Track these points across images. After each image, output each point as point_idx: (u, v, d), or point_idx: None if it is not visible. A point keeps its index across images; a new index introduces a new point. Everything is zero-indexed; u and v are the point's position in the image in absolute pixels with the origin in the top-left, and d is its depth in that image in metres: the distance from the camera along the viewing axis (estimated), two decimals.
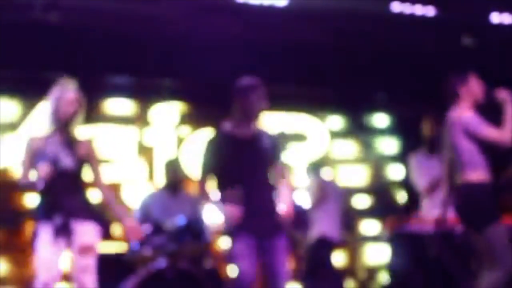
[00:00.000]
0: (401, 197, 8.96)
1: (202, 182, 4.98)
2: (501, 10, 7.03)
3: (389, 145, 9.12)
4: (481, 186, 5.04)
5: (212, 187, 4.95)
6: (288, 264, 4.95)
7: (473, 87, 5.14)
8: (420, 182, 6.59)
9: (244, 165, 4.78)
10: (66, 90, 4.77)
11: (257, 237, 4.76)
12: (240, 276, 4.69)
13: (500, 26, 7.33)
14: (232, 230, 4.78)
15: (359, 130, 9.06)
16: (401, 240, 6.96)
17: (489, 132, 4.98)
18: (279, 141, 5.05)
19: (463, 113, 5.09)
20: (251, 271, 4.70)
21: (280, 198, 4.94)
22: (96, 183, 4.91)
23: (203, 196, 4.98)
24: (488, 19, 7.14)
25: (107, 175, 7.80)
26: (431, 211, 6.39)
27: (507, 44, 7.54)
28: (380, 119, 9.14)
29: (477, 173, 5.03)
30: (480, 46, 7.79)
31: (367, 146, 9.06)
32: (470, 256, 5.86)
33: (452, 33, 7.72)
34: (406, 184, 8.72)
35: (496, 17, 7.10)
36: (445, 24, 7.37)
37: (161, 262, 5.85)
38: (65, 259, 4.72)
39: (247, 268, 4.69)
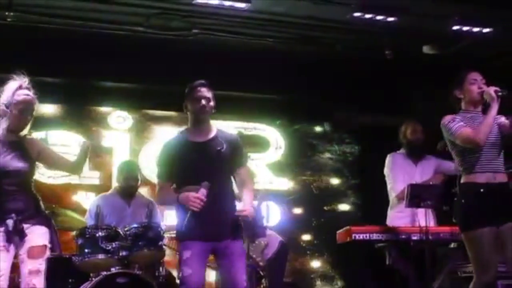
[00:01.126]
0: (358, 204, 8.97)
1: (158, 186, 4.95)
2: (461, 19, 7.04)
3: (346, 152, 9.13)
4: (469, 189, 4.86)
5: (168, 191, 4.87)
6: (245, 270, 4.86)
7: (468, 88, 4.95)
8: (395, 185, 6.59)
9: (200, 169, 4.72)
10: (16, 90, 4.69)
11: (211, 243, 4.70)
12: (186, 282, 4.63)
13: (461, 35, 7.34)
14: (183, 235, 4.71)
15: (317, 137, 9.05)
16: (356, 248, 6.98)
17: (461, 131, 4.80)
18: (240, 145, 4.99)
19: (446, 116, 4.99)
20: (197, 278, 4.65)
21: (240, 202, 4.91)
22: (63, 163, 4.95)
23: (158, 200, 4.94)
24: (449, 28, 7.15)
25: (61, 179, 7.78)
26: (399, 217, 6.42)
27: (467, 53, 7.59)
28: (336, 126, 9.11)
29: (469, 176, 4.85)
30: (441, 55, 7.84)
31: (326, 153, 9.05)
32: (424, 264, 5.88)
33: (414, 42, 7.76)
34: (362, 191, 8.80)
35: (457, 26, 7.10)
36: (406, 33, 7.38)
37: (114, 268, 5.74)
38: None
39: (194, 275, 4.63)
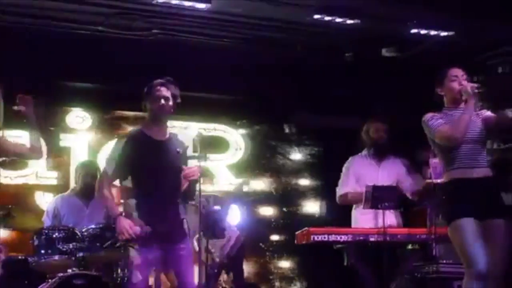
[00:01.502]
0: (318, 206, 9.00)
1: (104, 179, 4.92)
2: (421, 23, 7.11)
3: (305, 154, 9.15)
4: (449, 185, 4.83)
5: (112, 204, 4.89)
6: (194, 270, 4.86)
7: (449, 85, 4.89)
8: (341, 188, 6.61)
9: (159, 167, 4.70)
10: None
11: (161, 245, 4.70)
12: (132, 285, 4.63)
13: (419, 38, 7.41)
14: (134, 238, 4.71)
15: (276, 139, 9.07)
16: (316, 249, 7.01)
17: (440, 128, 4.76)
18: (186, 149, 5.00)
19: (427, 114, 4.92)
20: (144, 285, 4.64)
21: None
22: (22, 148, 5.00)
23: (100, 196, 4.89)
24: (408, 31, 7.21)
25: (18, 179, 7.69)
26: (363, 218, 6.44)
27: (427, 56, 7.66)
28: (297, 128, 9.13)
29: (449, 172, 4.81)
30: (401, 58, 7.90)
31: (284, 156, 9.07)
32: (383, 265, 5.92)
33: (373, 44, 7.81)
34: (322, 193, 8.83)
35: (416, 30, 7.17)
36: (365, 35, 7.43)
37: (71, 269, 5.68)
38: None
39: (143, 282, 4.64)
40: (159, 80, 4.89)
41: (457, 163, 4.75)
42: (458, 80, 4.85)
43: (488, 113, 4.88)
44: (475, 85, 4.76)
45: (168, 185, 4.71)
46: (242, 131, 8.92)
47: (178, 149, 4.84)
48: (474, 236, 4.57)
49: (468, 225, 4.58)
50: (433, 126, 4.79)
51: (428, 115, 4.86)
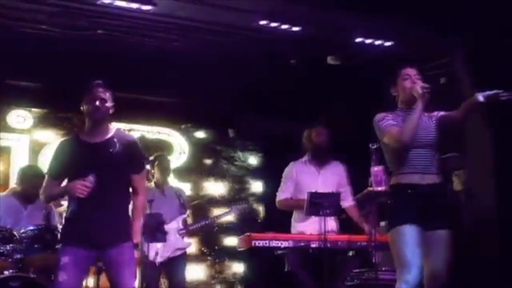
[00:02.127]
0: (261, 211, 9.03)
1: (45, 182, 4.86)
2: (365, 32, 7.19)
3: (250, 159, 9.17)
4: (396, 190, 4.66)
5: (55, 186, 4.82)
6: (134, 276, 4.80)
7: (401, 84, 4.73)
8: (281, 193, 6.63)
9: (88, 171, 4.62)
10: None
11: (96, 250, 4.63)
12: (58, 284, 4.57)
13: (363, 47, 7.48)
14: (62, 239, 4.69)
15: (221, 144, 9.07)
16: (257, 254, 7.01)
17: (388, 130, 4.58)
18: (137, 150, 4.92)
19: (378, 114, 4.73)
20: (70, 286, 4.56)
21: (132, 208, 4.85)
22: None
23: (45, 196, 4.82)
24: (353, 40, 7.28)
25: None
26: (302, 224, 6.46)
27: (371, 65, 7.74)
28: (240, 133, 9.14)
29: (397, 176, 4.65)
30: (345, 66, 7.97)
31: (228, 160, 9.07)
32: (323, 271, 5.94)
33: (319, 52, 7.87)
34: (265, 198, 8.85)
35: (360, 39, 7.24)
36: (311, 42, 7.48)
37: (7, 271, 5.59)
38: None
39: (67, 283, 4.55)
40: (96, 81, 4.82)
41: (406, 167, 4.58)
42: (411, 79, 4.69)
43: (441, 112, 4.74)
44: (426, 85, 4.58)
45: (100, 188, 4.60)
46: (187, 135, 8.88)
47: (111, 149, 4.74)
48: (413, 244, 4.43)
49: (410, 232, 4.44)
50: (382, 127, 4.62)
51: (380, 115, 4.69)
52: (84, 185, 4.50)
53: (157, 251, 6.76)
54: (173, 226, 6.97)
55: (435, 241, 4.52)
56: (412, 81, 4.67)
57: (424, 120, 4.65)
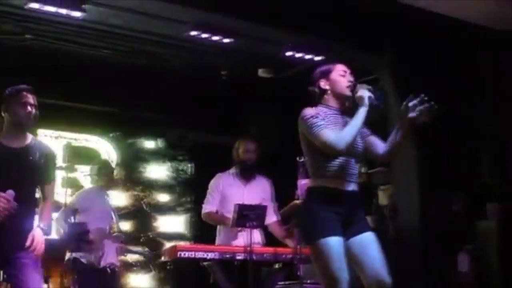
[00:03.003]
0: (188, 221, 9.00)
1: None
2: (295, 46, 7.25)
3: (179, 170, 9.13)
4: (317, 193, 4.30)
5: None
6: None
7: (336, 78, 4.37)
8: (207, 205, 6.61)
9: (8, 176, 4.50)
10: None
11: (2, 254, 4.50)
12: None
13: (294, 61, 7.55)
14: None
15: (150, 153, 9.01)
16: (181, 265, 6.97)
17: (322, 134, 4.19)
18: (53, 159, 4.84)
19: (307, 109, 4.34)
20: None
21: (40, 217, 4.75)
22: None
23: None
24: (283, 53, 7.33)
25: None
26: (229, 236, 6.44)
27: (302, 79, 7.79)
28: (170, 143, 9.10)
29: (318, 179, 4.32)
30: (276, 79, 8.02)
31: (157, 169, 9.03)
32: (248, 283, 5.93)
33: (249, 64, 7.90)
34: (194, 209, 8.80)
35: (291, 52, 7.30)
36: (242, 55, 7.51)
37: None
38: None
39: None
40: (25, 86, 4.72)
41: (330, 171, 4.25)
42: (347, 77, 4.37)
43: (371, 137, 4.44)
44: (372, 95, 4.25)
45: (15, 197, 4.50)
46: (115, 143, 8.79)
47: (31, 157, 4.65)
48: (340, 258, 4.12)
49: (335, 244, 4.13)
50: (314, 127, 4.21)
51: (309, 112, 4.28)
52: (3, 197, 4.39)
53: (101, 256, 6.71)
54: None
55: (364, 245, 4.24)
56: (348, 79, 4.35)
57: None
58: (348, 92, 4.32)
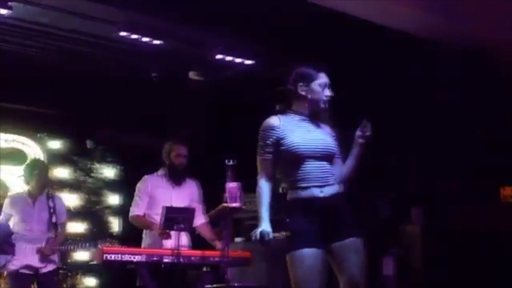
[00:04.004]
0: (116, 224, 8.91)
1: None
2: (226, 49, 7.26)
3: (107, 171, 9.04)
4: (292, 206, 4.23)
5: None
6: None
7: (317, 88, 4.28)
8: (135, 207, 6.56)
9: None
10: None
11: None
12: None
13: (224, 64, 7.56)
14: None
15: (78, 154, 8.88)
16: (111, 268, 6.91)
17: (259, 160, 4.25)
18: None
19: (267, 120, 4.29)
20: None
21: None
22: None
23: None
24: (213, 56, 7.33)
25: None
26: (157, 239, 6.41)
27: (232, 82, 7.84)
28: (99, 144, 9.01)
29: (292, 191, 4.25)
30: (207, 82, 8.02)
31: (85, 172, 8.90)
32: (176, 285, 5.92)
33: (180, 66, 7.88)
34: (121, 211, 8.73)
35: (221, 56, 7.30)
36: (172, 57, 7.49)
37: None
38: None
39: None
40: None
41: (300, 180, 4.20)
42: (325, 91, 4.28)
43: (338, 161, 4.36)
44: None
45: None
46: (44, 144, 8.64)
47: None
48: (314, 271, 4.08)
49: (310, 256, 4.08)
50: (259, 148, 4.24)
51: (266, 125, 4.26)
52: None
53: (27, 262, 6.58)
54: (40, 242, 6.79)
55: (345, 251, 4.15)
56: (326, 92, 4.28)
57: (322, 131, 4.32)
58: (322, 107, 4.28)
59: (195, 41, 7.11)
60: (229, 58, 7.34)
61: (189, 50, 7.32)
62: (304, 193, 4.18)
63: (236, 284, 6.37)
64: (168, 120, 8.38)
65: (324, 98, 4.27)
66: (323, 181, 4.19)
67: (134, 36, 6.74)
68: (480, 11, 6.62)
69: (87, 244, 6.77)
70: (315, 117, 4.32)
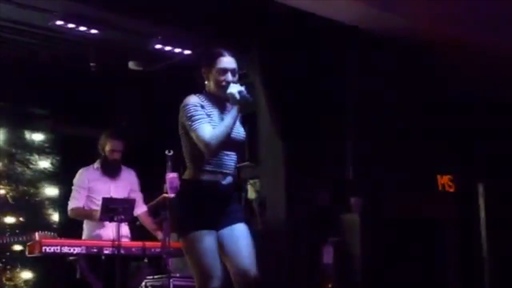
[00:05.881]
0: (54, 216, 8.80)
1: None
2: (163, 39, 7.21)
3: (45, 162, 8.90)
4: (190, 186, 4.28)
5: None
6: None
7: (216, 78, 4.29)
8: (73, 201, 6.50)
9: None
10: None
11: None
12: None
13: (163, 54, 7.51)
14: None
15: (17, 145, 8.73)
16: (48, 261, 6.83)
17: (199, 129, 4.16)
18: None
19: (191, 97, 4.29)
20: None
21: None
22: None
23: None
24: (153, 46, 7.27)
25: None
26: (96, 230, 6.36)
27: (173, 72, 7.81)
28: (39, 136, 8.86)
29: (194, 171, 4.27)
30: (146, 71, 7.96)
31: (23, 163, 8.75)
32: (116, 277, 5.88)
33: (119, 56, 7.80)
34: (60, 203, 8.62)
35: (160, 45, 7.25)
36: (110, 46, 7.40)
37: None
38: None
39: None
40: None
41: (209, 165, 4.24)
42: (227, 76, 4.29)
43: None
44: (243, 89, 4.24)
45: None
46: None
47: None
48: (212, 252, 4.16)
49: (207, 239, 4.15)
50: (193, 120, 4.19)
51: (190, 101, 4.25)
52: None
53: None
54: None
55: (234, 236, 4.26)
56: (227, 79, 4.28)
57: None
58: (220, 92, 4.28)
59: (133, 31, 7.05)
60: (168, 48, 7.29)
61: (127, 39, 7.26)
62: (206, 177, 4.24)
63: (178, 275, 6.37)
64: (107, 110, 8.30)
65: (223, 84, 4.28)
66: (225, 169, 4.27)
67: (70, 25, 6.58)
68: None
69: (24, 237, 6.67)
70: (224, 100, 4.32)
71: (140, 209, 6.54)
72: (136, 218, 6.55)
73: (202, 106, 4.23)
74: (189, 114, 4.19)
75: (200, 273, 4.16)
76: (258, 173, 7.79)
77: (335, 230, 7.13)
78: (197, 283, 4.20)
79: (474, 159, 8.44)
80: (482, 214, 8.37)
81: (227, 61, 4.32)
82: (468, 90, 8.15)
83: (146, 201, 6.67)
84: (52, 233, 6.46)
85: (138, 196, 6.54)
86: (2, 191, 8.54)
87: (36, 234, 6.19)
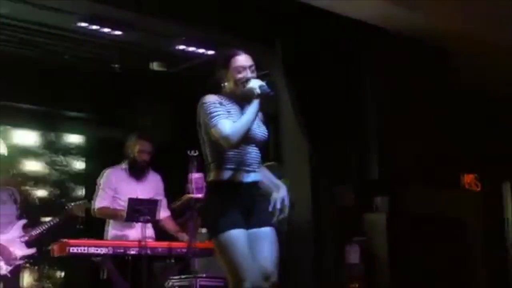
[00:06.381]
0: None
1: None
2: (187, 40, 7.21)
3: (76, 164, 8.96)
4: (218, 187, 4.24)
5: None
6: None
7: (234, 76, 4.25)
8: (100, 200, 6.52)
9: None
10: None
11: None
12: None
13: (187, 55, 7.53)
14: None
15: (44, 146, 8.79)
16: (74, 261, 6.85)
17: (219, 124, 4.11)
18: None
19: (209, 96, 4.25)
20: None
21: None
22: None
23: None
24: (175, 47, 7.28)
25: None
26: (121, 231, 6.38)
27: (196, 72, 7.81)
28: (68, 137, 8.95)
29: (219, 172, 4.23)
30: (169, 72, 7.97)
31: (50, 164, 8.81)
32: (141, 278, 5.89)
33: (142, 57, 7.82)
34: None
35: (183, 46, 7.26)
36: (133, 47, 7.42)
37: None
38: None
39: None
40: None
41: (228, 161, 4.20)
42: (246, 72, 4.25)
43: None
44: (264, 83, 4.23)
45: None
46: (3, 136, 8.51)
47: None
48: (246, 251, 4.10)
49: (240, 237, 4.11)
50: (212, 116, 4.13)
51: (211, 99, 4.20)
52: None
53: None
54: (13, 234, 6.68)
55: (260, 239, 4.21)
56: (246, 76, 4.25)
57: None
58: (240, 89, 4.24)
59: (156, 32, 7.05)
60: (191, 49, 7.29)
61: (151, 41, 7.28)
62: (230, 176, 4.20)
63: (204, 275, 6.38)
64: (130, 111, 8.33)
65: (243, 81, 4.24)
66: (248, 167, 4.23)
67: (94, 27, 6.58)
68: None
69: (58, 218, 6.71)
70: (245, 99, 4.28)
71: (164, 213, 6.54)
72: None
73: (221, 104, 4.21)
74: (208, 111, 4.15)
75: (233, 277, 4.11)
76: (283, 172, 7.77)
77: (360, 230, 7.10)
78: (231, 283, 4.14)
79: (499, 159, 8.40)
80: (509, 214, 8.33)
81: (243, 59, 4.30)
82: (494, 89, 8.10)
83: (170, 202, 6.67)
84: (84, 201, 6.67)
85: (162, 201, 6.53)
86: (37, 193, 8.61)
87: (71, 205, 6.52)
